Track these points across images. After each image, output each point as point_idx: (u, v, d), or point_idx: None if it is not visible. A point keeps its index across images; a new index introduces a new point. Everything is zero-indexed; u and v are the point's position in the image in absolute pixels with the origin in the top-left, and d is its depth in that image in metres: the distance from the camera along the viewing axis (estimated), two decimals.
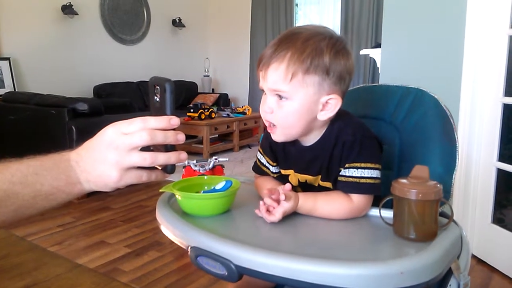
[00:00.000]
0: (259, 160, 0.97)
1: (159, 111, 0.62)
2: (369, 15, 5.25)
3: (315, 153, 0.85)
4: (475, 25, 1.91)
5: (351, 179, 0.80)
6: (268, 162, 0.94)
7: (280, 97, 0.79)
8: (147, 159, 0.59)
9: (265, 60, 0.79)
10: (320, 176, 0.86)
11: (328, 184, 0.86)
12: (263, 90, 0.82)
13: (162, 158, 0.60)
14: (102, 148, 0.62)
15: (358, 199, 0.79)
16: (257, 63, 0.82)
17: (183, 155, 0.62)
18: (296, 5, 5.97)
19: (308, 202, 0.79)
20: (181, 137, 0.61)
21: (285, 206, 0.75)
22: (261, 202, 0.78)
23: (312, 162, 0.86)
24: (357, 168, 0.80)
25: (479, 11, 1.89)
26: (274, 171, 0.94)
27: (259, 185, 0.94)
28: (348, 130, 0.82)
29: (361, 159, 0.80)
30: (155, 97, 0.65)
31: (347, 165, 0.81)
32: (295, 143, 0.87)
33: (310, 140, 0.86)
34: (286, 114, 0.79)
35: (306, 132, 0.83)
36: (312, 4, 5.93)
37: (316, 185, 0.88)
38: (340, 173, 0.82)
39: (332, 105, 0.80)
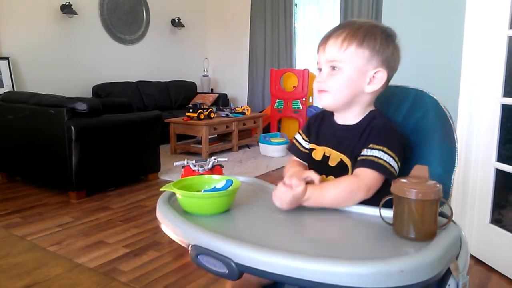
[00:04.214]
0: (295, 139, 1.08)
1: None
2: (368, 16, 5.26)
3: (347, 134, 0.94)
4: (474, 26, 1.92)
5: (369, 158, 0.86)
6: (303, 138, 1.06)
7: (333, 68, 0.90)
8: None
9: (325, 38, 0.92)
10: (344, 155, 0.93)
11: (348, 162, 0.93)
12: (320, 69, 0.93)
13: None
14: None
15: (366, 175, 0.84)
16: (318, 46, 0.94)
17: None
18: (296, 5, 5.97)
19: (315, 191, 0.83)
20: None
21: (293, 192, 0.80)
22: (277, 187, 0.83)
23: (343, 140, 0.94)
24: (377, 150, 0.86)
25: (478, 11, 1.90)
26: (306, 146, 1.05)
27: (286, 169, 1.03)
28: (380, 119, 0.92)
29: (383, 143, 0.87)
30: None
31: (369, 146, 0.88)
32: (331, 122, 0.98)
33: (348, 119, 0.95)
34: (337, 80, 0.90)
35: (350, 102, 0.92)
36: (312, 4, 5.94)
37: (338, 160, 0.94)
38: (361, 153, 0.88)
39: (378, 79, 0.90)
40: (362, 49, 0.88)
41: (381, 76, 0.90)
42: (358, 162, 0.87)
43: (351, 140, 0.92)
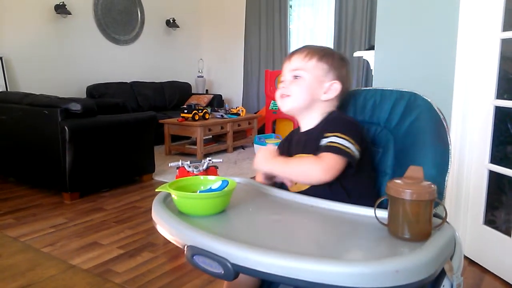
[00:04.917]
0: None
1: None
2: (363, 17, 5.28)
3: (309, 136, 1.03)
4: (468, 28, 1.93)
5: (326, 144, 0.94)
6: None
7: (296, 77, 1.04)
8: None
9: (290, 54, 1.08)
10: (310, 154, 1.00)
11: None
12: (283, 81, 1.06)
13: None
14: None
15: (328, 158, 0.91)
16: (283, 64, 1.09)
17: None
18: (290, 6, 5.99)
19: (282, 159, 0.98)
20: None
21: (267, 148, 0.98)
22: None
23: (307, 143, 1.03)
24: (331, 136, 0.94)
25: (472, 14, 1.91)
26: None
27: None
28: (334, 114, 1.04)
29: (337, 130, 0.95)
30: None
31: (325, 135, 0.96)
32: (297, 134, 1.09)
33: (308, 124, 1.06)
34: (298, 85, 1.03)
35: (308, 108, 1.04)
36: (306, 6, 5.96)
37: None
38: (319, 144, 0.96)
39: (333, 90, 1.03)
40: (321, 63, 1.03)
41: (336, 87, 1.04)
42: (318, 150, 0.95)
43: (313, 141, 0.99)
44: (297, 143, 1.06)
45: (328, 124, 1.00)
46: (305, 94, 1.02)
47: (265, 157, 1.00)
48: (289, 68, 1.05)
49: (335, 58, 1.05)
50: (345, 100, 1.16)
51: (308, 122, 1.06)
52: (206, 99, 5.89)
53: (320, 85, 1.03)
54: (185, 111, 4.47)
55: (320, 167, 0.91)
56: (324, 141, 0.95)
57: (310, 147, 0.99)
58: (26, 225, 2.49)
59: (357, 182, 0.98)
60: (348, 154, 0.91)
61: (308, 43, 5.92)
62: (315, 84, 1.03)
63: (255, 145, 4.63)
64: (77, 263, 1.93)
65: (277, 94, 1.06)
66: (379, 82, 2.32)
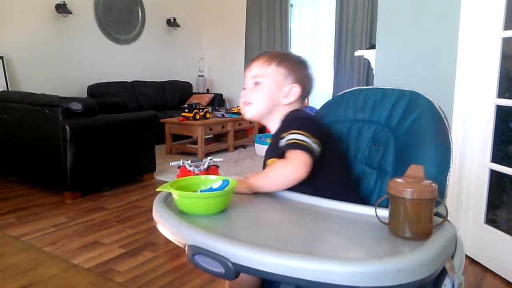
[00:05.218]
0: None
1: None
2: (364, 16, 5.28)
3: (274, 140, 1.06)
4: (469, 27, 1.93)
5: (284, 143, 0.96)
6: None
7: (256, 83, 1.07)
8: None
9: (250, 62, 1.11)
10: (277, 157, 1.01)
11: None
12: (245, 88, 1.09)
13: None
14: None
15: (292, 155, 0.92)
16: (244, 71, 1.12)
17: None
18: (291, 5, 5.98)
19: (255, 179, 0.94)
20: None
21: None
22: None
23: (273, 146, 1.05)
24: (287, 135, 0.96)
25: (473, 13, 1.91)
26: None
27: None
28: (288, 114, 1.05)
29: (291, 128, 0.97)
30: None
31: (281, 136, 0.98)
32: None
33: (273, 128, 1.09)
34: (259, 91, 1.06)
35: (270, 112, 1.07)
36: (307, 5, 5.95)
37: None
38: (279, 146, 0.98)
39: (293, 93, 1.06)
40: (280, 67, 1.06)
41: (296, 90, 1.07)
42: (281, 152, 0.97)
43: (276, 143, 1.01)
44: (270, 149, 1.09)
45: (284, 125, 1.03)
46: (266, 100, 1.06)
47: (241, 185, 0.92)
48: (250, 75, 1.08)
49: (293, 62, 1.08)
50: (345, 98, 1.17)
51: (273, 126, 1.10)
52: (207, 98, 5.89)
53: (280, 89, 1.06)
54: (186, 110, 4.47)
55: (289, 167, 0.92)
56: (282, 142, 0.97)
57: (276, 150, 1.00)
58: (28, 224, 2.50)
59: (326, 179, 0.98)
60: (306, 147, 0.93)
61: (309, 42, 5.94)
62: (275, 89, 1.06)
63: (256, 144, 4.63)
64: (78, 262, 1.93)
65: (241, 101, 1.10)
66: (380, 81, 2.32)
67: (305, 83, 1.09)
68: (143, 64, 5.88)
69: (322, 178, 0.97)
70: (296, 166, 0.91)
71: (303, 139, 0.94)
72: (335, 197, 0.89)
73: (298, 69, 1.08)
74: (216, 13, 6.65)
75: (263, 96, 1.06)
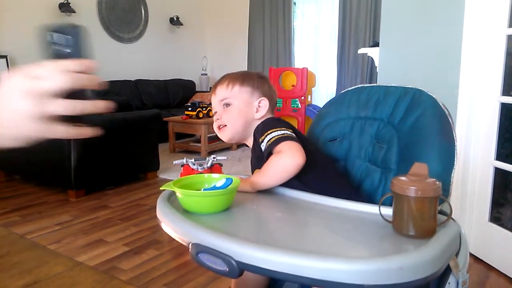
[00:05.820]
0: None
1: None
2: (367, 14, 5.26)
3: (254, 154, 1.08)
4: (473, 25, 1.92)
5: (266, 145, 0.97)
6: None
7: (225, 105, 1.09)
8: (70, 106, 0.50)
9: (213, 87, 1.14)
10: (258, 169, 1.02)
11: None
12: (215, 112, 1.11)
13: (89, 105, 0.52)
14: (13, 97, 0.51)
15: (282, 147, 0.93)
16: (210, 98, 1.15)
17: (110, 103, 0.54)
18: (294, 3, 5.97)
19: (255, 177, 0.95)
20: (104, 83, 0.54)
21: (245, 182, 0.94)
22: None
23: (252, 160, 1.10)
24: (265, 138, 0.98)
25: (477, 10, 1.90)
26: None
27: None
28: (258, 125, 1.07)
29: (264, 132, 1.00)
30: (55, 47, 0.57)
31: (260, 142, 1.00)
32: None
33: (251, 144, 1.10)
34: (230, 113, 1.08)
35: (246, 130, 1.09)
36: (310, 3, 5.93)
37: None
38: (262, 151, 0.99)
39: (263, 106, 1.09)
40: (244, 86, 1.09)
41: (265, 103, 1.10)
42: (265, 155, 0.98)
43: (260, 151, 1.02)
44: (253, 158, 1.10)
45: (256, 133, 1.05)
46: (239, 118, 1.08)
47: (244, 184, 0.94)
48: (217, 100, 1.11)
49: (254, 79, 1.12)
50: (348, 96, 1.17)
51: (250, 141, 1.11)
52: (210, 96, 5.89)
53: (250, 106, 1.09)
54: (189, 108, 4.48)
55: (285, 157, 0.92)
56: (263, 145, 0.98)
57: (260, 157, 1.01)
58: (32, 222, 2.51)
59: (315, 177, 0.99)
60: (290, 137, 0.95)
61: (312, 40, 5.92)
62: (245, 107, 1.09)
63: None
64: (83, 260, 1.94)
65: (215, 127, 1.12)
66: (383, 79, 2.31)
67: (271, 95, 1.13)
68: (146, 62, 5.89)
69: (313, 176, 0.98)
70: (290, 154, 0.92)
71: (282, 132, 0.97)
72: (323, 192, 0.90)
73: (261, 84, 1.12)
74: (219, 12, 6.64)
75: (235, 116, 1.08)
